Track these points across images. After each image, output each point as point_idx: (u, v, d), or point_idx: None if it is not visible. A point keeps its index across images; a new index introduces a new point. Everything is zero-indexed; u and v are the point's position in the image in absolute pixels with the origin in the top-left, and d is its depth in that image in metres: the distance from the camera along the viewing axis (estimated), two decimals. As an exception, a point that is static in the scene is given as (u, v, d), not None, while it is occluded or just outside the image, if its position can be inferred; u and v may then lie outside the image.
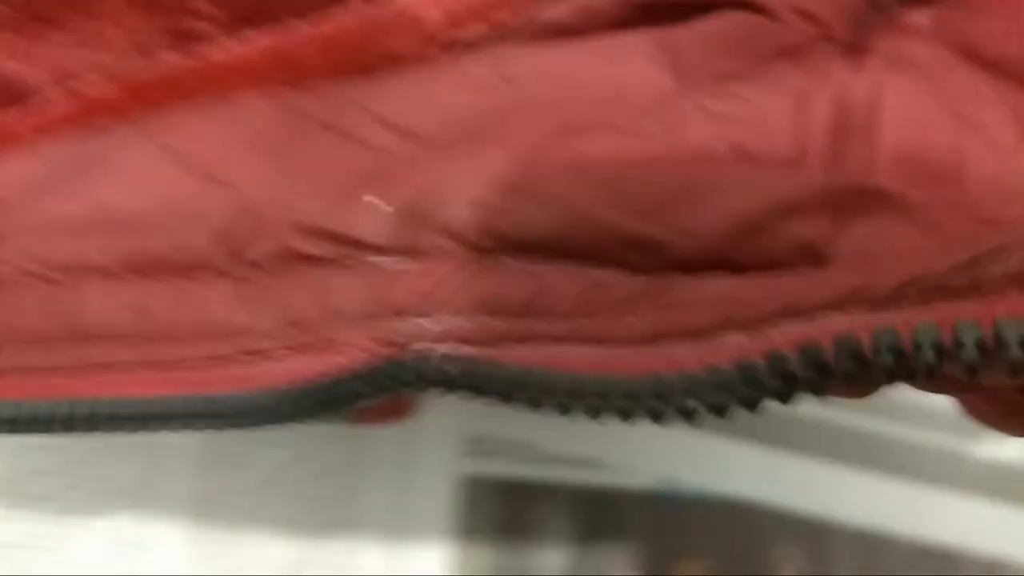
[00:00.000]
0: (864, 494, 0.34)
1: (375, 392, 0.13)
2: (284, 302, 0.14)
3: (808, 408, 0.34)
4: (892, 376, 0.10)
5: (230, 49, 0.22)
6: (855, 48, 0.21)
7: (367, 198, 0.14)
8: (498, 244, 0.13)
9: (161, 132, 0.17)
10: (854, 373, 0.10)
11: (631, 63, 0.18)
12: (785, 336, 0.11)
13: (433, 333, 0.13)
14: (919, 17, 0.23)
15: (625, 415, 0.12)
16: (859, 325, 0.10)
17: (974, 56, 0.21)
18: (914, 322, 0.10)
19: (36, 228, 0.16)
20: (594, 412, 0.12)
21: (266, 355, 0.14)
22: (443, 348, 0.13)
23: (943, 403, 0.34)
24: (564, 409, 0.12)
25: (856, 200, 0.12)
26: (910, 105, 0.19)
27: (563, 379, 0.12)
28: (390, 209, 0.14)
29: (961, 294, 0.10)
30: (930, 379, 0.10)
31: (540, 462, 0.35)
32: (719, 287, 0.12)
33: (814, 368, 0.10)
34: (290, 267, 0.15)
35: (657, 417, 0.11)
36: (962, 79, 0.20)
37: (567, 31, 0.20)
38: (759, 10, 0.21)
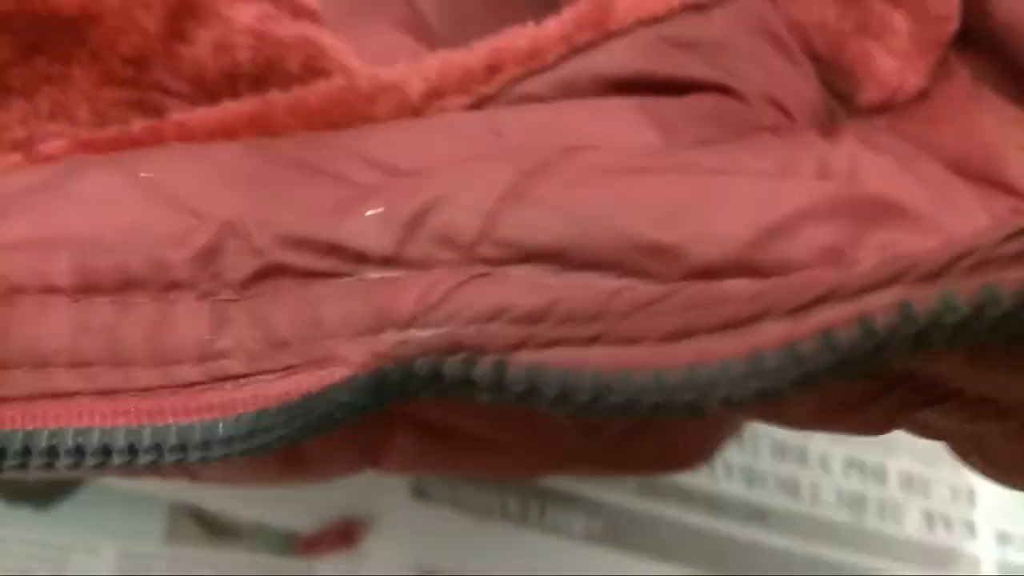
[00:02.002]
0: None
1: (357, 405, 0.12)
2: (266, 323, 0.13)
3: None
4: (955, 338, 0.09)
5: (205, 113, 0.21)
6: (828, 129, 0.21)
7: (368, 208, 0.13)
8: (505, 254, 0.13)
9: (126, 162, 0.16)
10: (915, 338, 0.09)
11: (618, 120, 0.18)
12: (831, 317, 0.10)
13: (437, 343, 0.12)
14: (875, 122, 0.25)
15: (658, 410, 0.10)
16: (913, 296, 0.10)
17: (935, 153, 0.22)
18: (975, 287, 0.09)
19: (-15, 251, 0.14)
20: (623, 410, 0.11)
21: (239, 380, 0.13)
22: (443, 358, 0.12)
23: (912, 535, 0.34)
24: (589, 407, 0.11)
25: (873, 207, 0.12)
26: (886, 175, 0.19)
27: (587, 378, 0.11)
28: (389, 218, 0.13)
29: (1013, 265, 0.10)
30: (998, 338, 0.09)
31: (493, 595, 0.33)
32: (746, 289, 0.11)
33: (868, 338, 0.10)
34: (274, 285, 0.13)
35: (695, 411, 0.10)
36: (929, 166, 0.21)
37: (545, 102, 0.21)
38: (732, 93, 0.21)
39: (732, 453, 0.35)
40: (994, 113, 0.23)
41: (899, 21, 0.24)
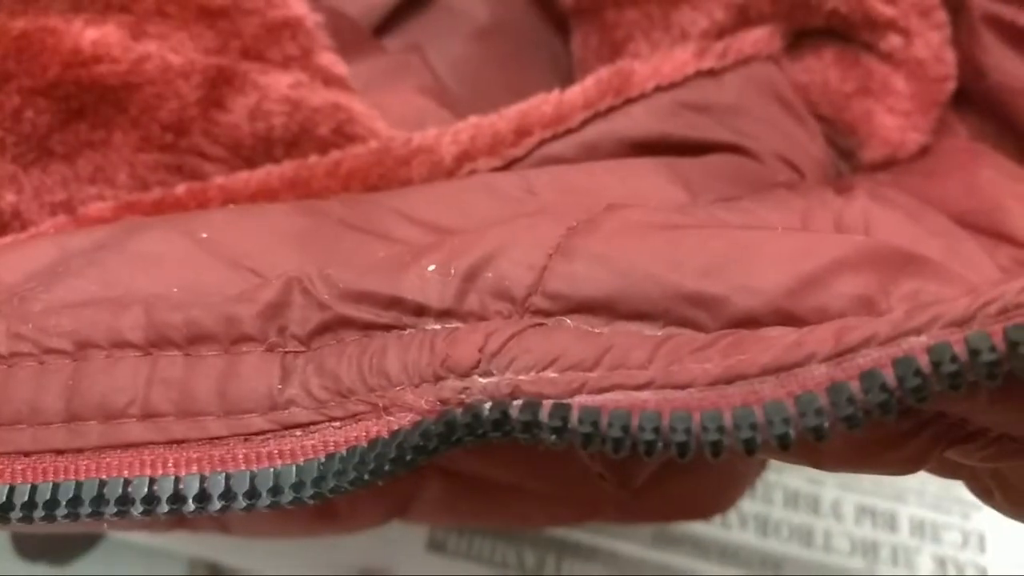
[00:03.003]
0: None
1: (427, 449, 0.12)
2: (332, 373, 0.14)
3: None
4: (993, 374, 0.10)
5: (246, 176, 0.22)
6: (840, 186, 0.22)
7: (426, 264, 0.14)
8: (556, 305, 0.14)
9: (181, 223, 0.17)
10: (954, 375, 0.10)
11: (645, 178, 0.19)
12: (872, 360, 0.11)
13: (499, 389, 0.13)
14: (879, 178, 0.26)
15: (715, 449, 0.11)
16: (949, 338, 0.11)
17: (939, 207, 0.23)
18: (1004, 327, 0.10)
19: (53, 308, 0.15)
20: (682, 449, 0.11)
21: (308, 427, 0.14)
22: (508, 402, 0.13)
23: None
24: (649, 447, 0.11)
25: (899, 258, 0.13)
26: (898, 229, 0.20)
27: (647, 419, 0.12)
28: (447, 273, 0.14)
29: (1038, 311, 0.11)
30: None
31: None
32: (786, 336, 0.12)
33: (912, 378, 0.10)
34: (338, 337, 0.14)
35: (751, 449, 0.11)
36: (935, 218, 0.22)
37: (570, 164, 0.22)
38: (747, 153, 0.23)
39: (745, 502, 0.35)
40: (994, 168, 0.24)
41: (899, 82, 0.26)
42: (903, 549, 0.35)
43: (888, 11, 0.25)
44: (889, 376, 0.11)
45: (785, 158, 0.23)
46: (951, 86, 0.26)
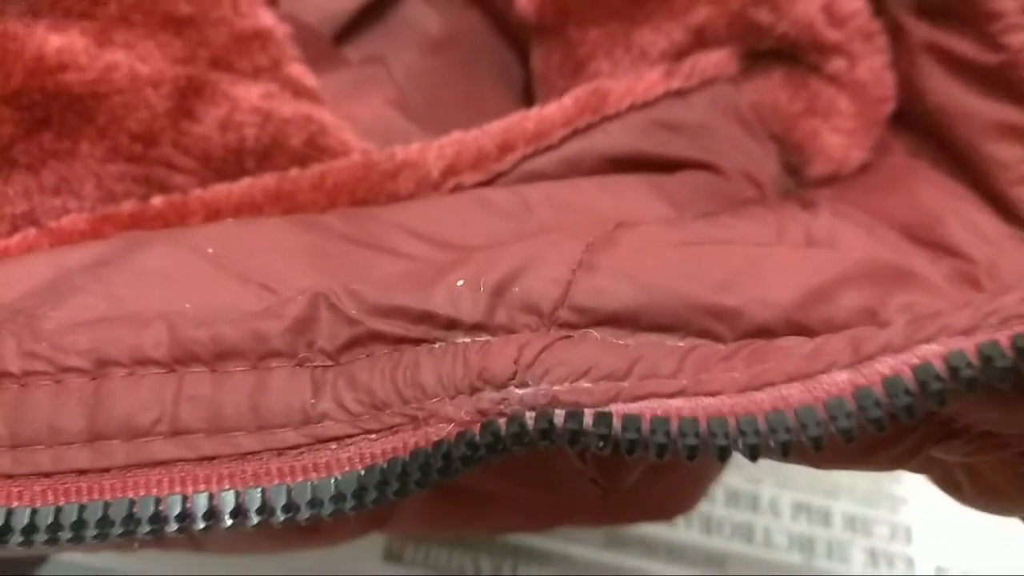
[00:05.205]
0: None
1: (473, 459, 0.13)
2: (366, 386, 0.14)
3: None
4: (1004, 378, 0.12)
5: (227, 189, 0.22)
6: (805, 201, 0.24)
7: (454, 280, 0.14)
8: (581, 319, 0.14)
9: (183, 238, 0.17)
10: (971, 380, 0.11)
11: (634, 195, 0.20)
12: (890, 367, 0.12)
13: (536, 400, 0.13)
14: (823, 193, 0.27)
15: (753, 452, 0.12)
16: (961, 346, 0.12)
17: (885, 221, 0.25)
18: (1010, 336, 0.12)
19: (66, 326, 0.15)
20: (722, 452, 0.12)
21: (343, 440, 0.14)
22: (550, 411, 0.13)
23: (858, 572, 0.36)
24: (692, 452, 0.12)
25: (892, 273, 0.14)
26: (858, 242, 0.22)
27: (687, 425, 0.12)
28: (476, 289, 0.14)
29: (1035, 320, 0.12)
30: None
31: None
32: (801, 345, 0.13)
33: (934, 380, 0.12)
34: (369, 351, 0.14)
35: (786, 451, 0.12)
36: (886, 232, 0.24)
37: (552, 179, 0.22)
38: (716, 170, 0.24)
39: (690, 503, 0.36)
40: (932, 184, 0.26)
41: (843, 102, 0.27)
42: (837, 543, 0.37)
43: (834, 36, 0.27)
44: (910, 381, 0.12)
45: (749, 175, 0.24)
46: (890, 106, 0.28)
